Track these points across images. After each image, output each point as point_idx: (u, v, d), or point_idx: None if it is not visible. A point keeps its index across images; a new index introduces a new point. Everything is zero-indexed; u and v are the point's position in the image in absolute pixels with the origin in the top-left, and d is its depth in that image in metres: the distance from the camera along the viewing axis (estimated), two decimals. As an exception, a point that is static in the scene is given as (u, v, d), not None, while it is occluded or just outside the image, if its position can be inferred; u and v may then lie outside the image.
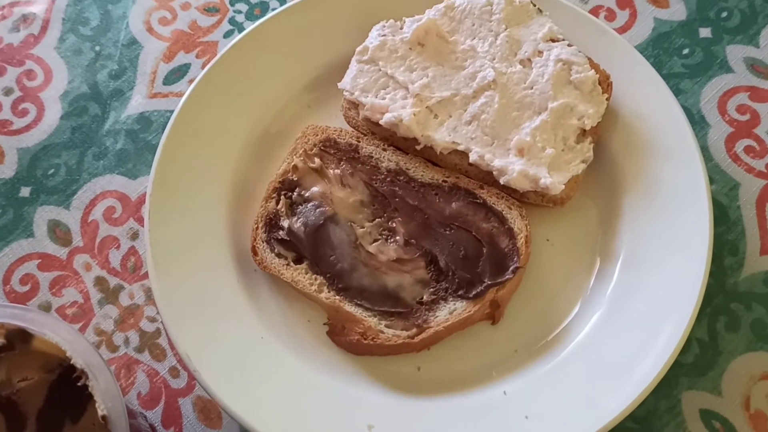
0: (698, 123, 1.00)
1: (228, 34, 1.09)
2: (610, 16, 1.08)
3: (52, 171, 1.00)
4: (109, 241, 0.96)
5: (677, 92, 1.02)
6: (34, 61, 1.08)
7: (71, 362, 0.69)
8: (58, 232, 0.97)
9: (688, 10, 1.08)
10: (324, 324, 0.88)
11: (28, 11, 1.11)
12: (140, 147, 1.01)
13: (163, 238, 0.87)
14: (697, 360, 0.88)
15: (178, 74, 1.06)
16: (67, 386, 0.71)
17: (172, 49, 1.08)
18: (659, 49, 1.06)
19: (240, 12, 1.11)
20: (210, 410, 0.87)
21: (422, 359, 0.87)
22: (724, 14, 1.07)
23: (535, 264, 0.90)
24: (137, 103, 1.04)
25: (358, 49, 0.96)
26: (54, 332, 0.71)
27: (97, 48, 1.09)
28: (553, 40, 0.94)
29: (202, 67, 1.00)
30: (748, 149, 0.99)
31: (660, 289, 0.85)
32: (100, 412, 0.67)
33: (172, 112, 0.94)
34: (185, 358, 0.81)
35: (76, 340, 0.70)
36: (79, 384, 0.69)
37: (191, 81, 0.97)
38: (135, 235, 0.96)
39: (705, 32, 1.06)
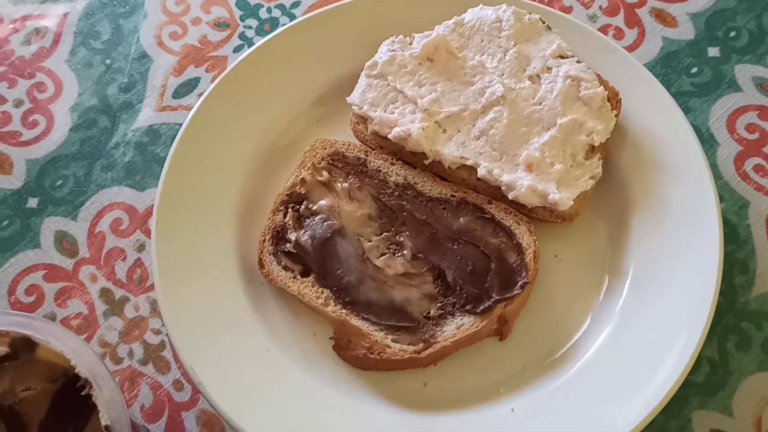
0: (707, 141, 1.00)
1: (238, 49, 1.09)
2: (619, 34, 1.09)
3: (60, 182, 1.00)
4: (116, 252, 0.95)
5: (686, 111, 1.01)
6: (45, 73, 1.08)
7: (75, 371, 0.68)
8: (64, 243, 0.96)
9: (696, 29, 1.08)
10: (330, 338, 0.88)
11: (41, 24, 1.12)
12: (148, 159, 1.01)
13: (170, 250, 0.87)
14: (707, 379, 0.87)
15: (187, 88, 1.07)
16: (71, 396, 0.70)
17: (182, 63, 1.08)
18: (668, 68, 1.06)
19: (250, 27, 1.11)
20: (213, 424, 0.86)
21: (429, 375, 0.86)
22: (733, 34, 1.08)
23: (544, 280, 0.90)
24: (146, 116, 1.05)
25: (368, 63, 0.96)
26: (59, 340, 0.70)
27: (108, 61, 1.09)
28: (562, 57, 0.94)
29: (212, 81, 1.00)
30: (757, 168, 0.98)
31: (670, 307, 0.84)
32: (103, 422, 0.67)
33: (180, 125, 0.94)
34: (190, 371, 0.80)
35: (81, 349, 0.70)
36: (83, 393, 0.68)
37: (200, 95, 0.97)
38: (141, 247, 0.96)
39: (713, 51, 1.07)
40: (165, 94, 1.06)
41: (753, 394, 0.85)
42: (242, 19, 1.12)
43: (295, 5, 1.13)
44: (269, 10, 1.13)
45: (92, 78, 1.08)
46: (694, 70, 1.05)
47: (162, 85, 1.07)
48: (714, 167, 0.98)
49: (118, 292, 0.93)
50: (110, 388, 0.68)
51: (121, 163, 1.01)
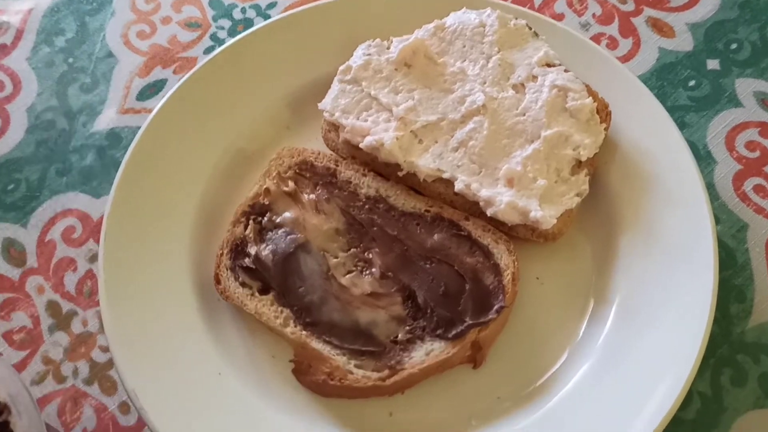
0: (704, 159, 0.94)
1: (208, 51, 1.04)
2: (612, 44, 1.02)
3: (11, 186, 0.94)
4: (66, 263, 0.89)
5: (682, 126, 0.95)
6: (4, 71, 1.02)
7: (-6, 395, 0.62)
8: (12, 251, 0.90)
9: (695, 40, 1.02)
10: (290, 361, 0.81)
11: (2, 20, 1.06)
12: (107, 164, 0.95)
13: (119, 262, 0.81)
14: (699, 416, 0.80)
15: (153, 90, 1.01)
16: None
17: (149, 64, 1.03)
18: (663, 81, 0.99)
19: (222, 28, 1.06)
20: (160, 452, 0.79)
21: (395, 404, 0.79)
22: (734, 46, 1.01)
23: (523, 304, 0.83)
24: (108, 118, 0.99)
25: (341, 68, 0.90)
26: (-21, 361, 0.64)
27: (71, 60, 1.03)
28: (548, 65, 0.88)
29: (179, 83, 0.94)
30: (757, 188, 0.92)
31: (658, 337, 0.78)
32: (19, 453, 0.60)
33: (143, 128, 0.88)
34: (132, 395, 0.74)
35: (4, 372, 0.64)
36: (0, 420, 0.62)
37: (167, 97, 0.91)
38: (94, 258, 0.89)
39: (713, 64, 1.00)
40: (129, 96, 1.00)
41: (748, 434, 0.79)
42: (215, 19, 1.06)
43: (271, 6, 1.07)
44: (243, 11, 1.07)
45: (53, 77, 1.02)
46: (691, 83, 0.99)
47: (126, 87, 1.01)
48: (711, 187, 0.92)
49: (66, 306, 0.87)
50: (30, 415, 0.61)
51: (77, 168, 0.95)
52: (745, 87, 0.99)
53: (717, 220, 0.89)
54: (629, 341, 0.79)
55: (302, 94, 0.95)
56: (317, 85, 0.93)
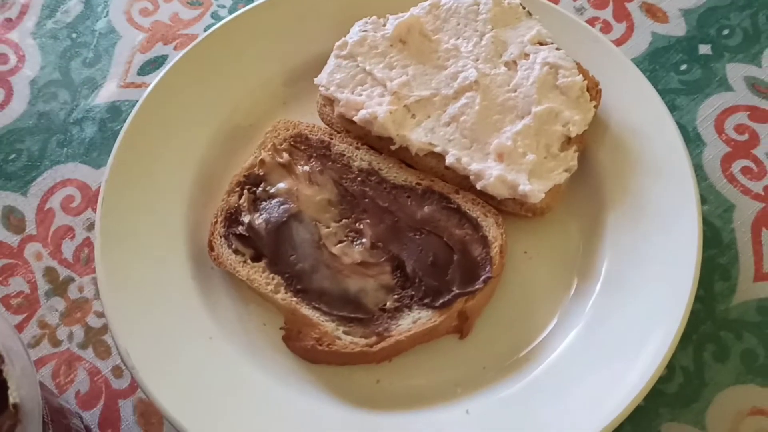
0: (693, 141, 0.95)
1: (209, 28, 1.04)
2: (606, 28, 1.04)
3: (13, 156, 0.96)
4: (64, 230, 0.91)
5: (673, 108, 0.96)
6: (9, 45, 1.05)
7: (-13, 344, 0.64)
8: (11, 218, 0.92)
9: (688, 26, 1.03)
10: (280, 328, 0.82)
11: (9, -5, 1.09)
12: (107, 136, 0.97)
13: (115, 229, 0.82)
14: (680, 390, 0.81)
15: (153, 65, 1.02)
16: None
17: (151, 40, 1.04)
18: (656, 64, 1.01)
19: (224, 6, 1.08)
20: (151, 414, 0.81)
21: (382, 371, 0.80)
22: (726, 32, 1.03)
23: (510, 276, 0.84)
24: (109, 92, 1.00)
25: (337, 43, 0.92)
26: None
27: (74, 35, 1.05)
28: (541, 44, 0.90)
29: (179, 59, 0.96)
30: (745, 170, 0.93)
31: (642, 310, 0.79)
32: (12, 400, 0.61)
33: (143, 102, 0.90)
34: (124, 354, 0.75)
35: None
36: (-7, 368, 0.63)
37: (167, 73, 0.93)
38: (92, 226, 0.91)
39: (705, 49, 1.02)
40: (130, 71, 1.02)
41: (728, 408, 0.79)
42: (216, -3, 1.09)
43: (271, -14, 1.08)
44: (244, -10, 1.09)
45: (56, 52, 1.04)
46: (683, 67, 1.00)
47: (127, 62, 1.03)
48: (699, 168, 0.93)
49: (63, 272, 0.89)
50: (23, 363, 0.63)
51: (78, 140, 0.97)
52: (736, 72, 1.00)
53: (704, 201, 0.90)
54: (612, 315, 0.80)
55: (299, 71, 0.96)
56: (314, 62, 0.95)
